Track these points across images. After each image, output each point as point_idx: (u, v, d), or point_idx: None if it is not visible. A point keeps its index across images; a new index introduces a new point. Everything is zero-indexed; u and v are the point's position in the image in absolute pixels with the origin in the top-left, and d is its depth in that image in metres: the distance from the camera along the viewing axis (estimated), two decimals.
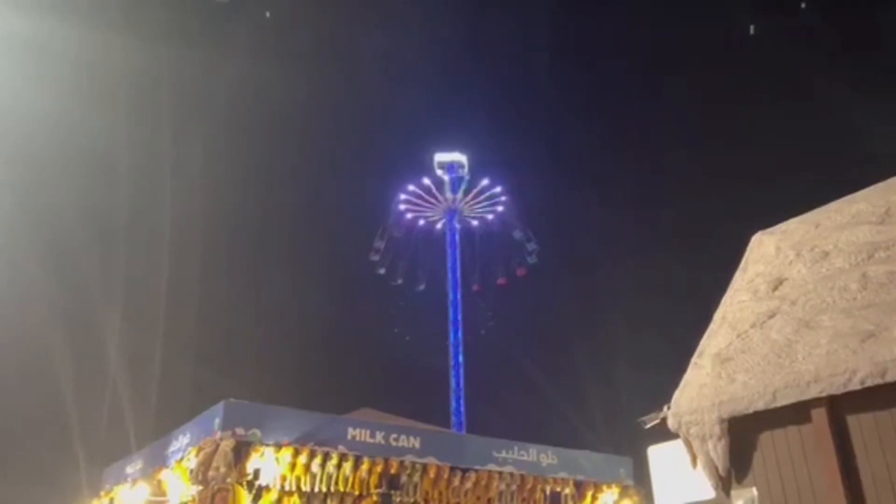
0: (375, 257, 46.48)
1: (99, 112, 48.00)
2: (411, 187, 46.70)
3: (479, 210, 47.49)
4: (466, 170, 47.02)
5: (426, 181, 46.55)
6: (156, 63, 50.27)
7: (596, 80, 79.25)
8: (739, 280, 9.34)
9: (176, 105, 53.89)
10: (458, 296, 44.39)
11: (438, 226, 47.46)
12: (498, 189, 46.99)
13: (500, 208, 47.27)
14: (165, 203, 53.11)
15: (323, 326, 61.32)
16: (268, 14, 54.33)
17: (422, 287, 47.20)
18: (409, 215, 47.02)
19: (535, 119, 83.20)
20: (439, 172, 46.87)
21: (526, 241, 46.59)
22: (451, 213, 46.83)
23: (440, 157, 47.03)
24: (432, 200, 46.81)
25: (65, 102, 43.43)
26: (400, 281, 47.06)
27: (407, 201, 46.89)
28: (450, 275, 45.06)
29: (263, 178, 63.66)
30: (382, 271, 46.70)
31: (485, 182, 46.85)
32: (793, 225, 9.74)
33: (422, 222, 47.31)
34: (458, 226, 46.88)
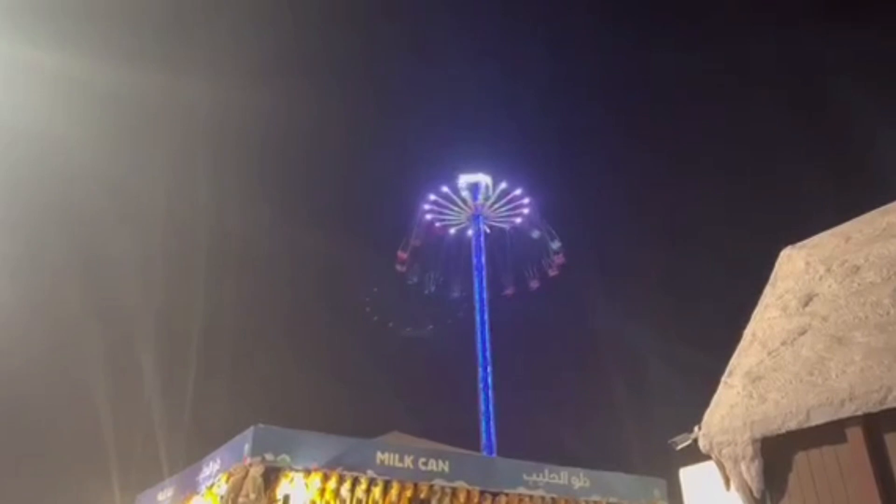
0: (403, 255, 46.90)
1: (129, 138, 49.39)
2: (445, 189, 47.00)
3: (504, 215, 47.52)
4: (491, 189, 47.17)
5: (460, 183, 46.82)
6: (180, 90, 51.41)
7: (625, 89, 79.04)
8: (769, 296, 9.18)
9: (201, 128, 55.00)
10: (486, 316, 44.08)
11: (452, 231, 47.69)
12: (526, 200, 47.11)
13: (517, 220, 47.30)
14: (199, 227, 53.99)
15: (351, 349, 61.57)
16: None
17: (432, 289, 47.49)
18: (428, 216, 47.26)
19: (562, 127, 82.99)
20: (464, 194, 47.06)
21: (554, 252, 46.50)
22: (477, 218, 46.92)
23: (465, 178, 47.24)
24: (459, 205, 47.03)
25: (93, 128, 44.68)
26: (415, 279, 47.44)
27: (435, 202, 47.14)
28: (476, 295, 44.89)
29: (288, 200, 64.52)
30: (403, 269, 47.10)
31: (517, 192, 46.97)
32: (822, 239, 9.57)
33: (438, 224, 47.56)
34: (483, 234, 46.90)
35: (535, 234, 46.99)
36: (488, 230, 47.84)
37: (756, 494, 7.00)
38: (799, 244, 9.87)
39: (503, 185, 47.10)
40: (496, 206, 47.16)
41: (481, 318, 43.83)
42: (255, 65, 60.47)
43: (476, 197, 46.80)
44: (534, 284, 46.78)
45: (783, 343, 7.84)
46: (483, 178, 47.27)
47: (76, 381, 42.31)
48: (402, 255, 47.13)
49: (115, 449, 36.78)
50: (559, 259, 46.46)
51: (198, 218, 54.05)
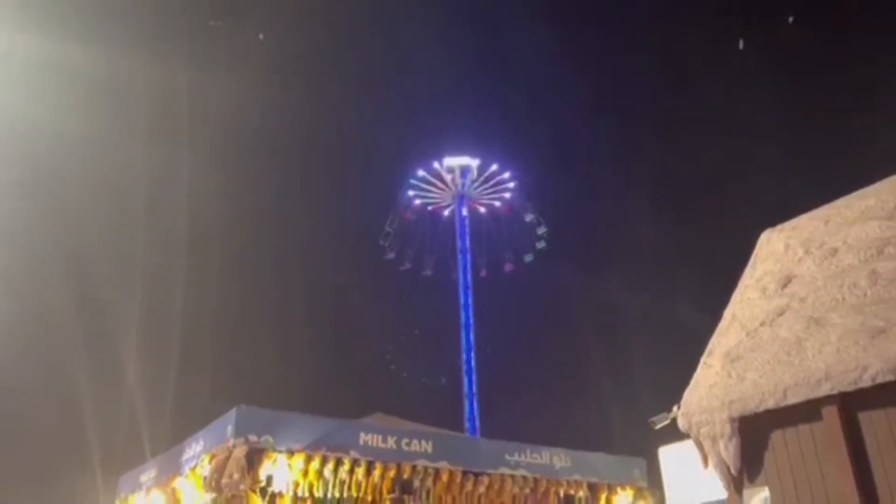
0: (385, 242, 46.78)
1: (114, 130, 48.87)
2: (421, 172, 46.72)
3: (488, 196, 47.33)
4: (476, 173, 46.97)
5: (444, 165, 46.53)
6: (171, 84, 50.86)
7: (611, 71, 78.73)
8: (748, 277, 9.28)
9: (186, 118, 54.38)
10: (470, 299, 44.02)
11: (446, 213, 47.57)
12: (507, 175, 46.94)
13: (507, 195, 47.18)
14: (180, 210, 53.55)
15: (335, 331, 61.59)
16: (261, 36, 54.85)
17: (428, 272, 47.34)
18: (417, 201, 47.04)
19: (547, 108, 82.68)
20: (449, 177, 46.84)
21: (536, 225, 46.43)
22: (461, 199, 46.75)
23: (449, 161, 46.97)
24: (441, 186, 46.81)
25: (81, 121, 44.14)
26: (408, 265, 47.24)
27: (416, 187, 46.92)
28: (461, 278, 44.89)
29: (271, 184, 64.07)
30: (392, 256, 46.90)
31: (494, 167, 46.80)
32: (801, 221, 9.67)
33: (430, 208, 47.40)
34: (466, 213, 46.67)
35: (520, 215, 46.83)
36: (483, 209, 47.71)
37: (733, 472, 7.11)
38: (779, 226, 9.97)
39: (477, 163, 46.81)
40: (479, 187, 46.95)
41: (465, 301, 43.83)
42: (249, 58, 59.72)
43: (461, 177, 46.60)
44: (527, 258, 46.57)
45: (762, 324, 7.93)
46: (467, 161, 47.03)
47: (60, 367, 42.11)
48: (385, 241, 46.97)
49: (98, 432, 36.70)
50: (542, 230, 46.38)
51: (181, 209, 53.64)
